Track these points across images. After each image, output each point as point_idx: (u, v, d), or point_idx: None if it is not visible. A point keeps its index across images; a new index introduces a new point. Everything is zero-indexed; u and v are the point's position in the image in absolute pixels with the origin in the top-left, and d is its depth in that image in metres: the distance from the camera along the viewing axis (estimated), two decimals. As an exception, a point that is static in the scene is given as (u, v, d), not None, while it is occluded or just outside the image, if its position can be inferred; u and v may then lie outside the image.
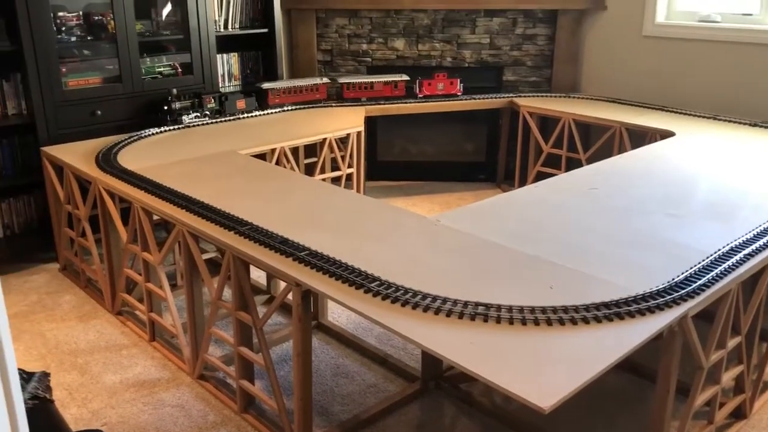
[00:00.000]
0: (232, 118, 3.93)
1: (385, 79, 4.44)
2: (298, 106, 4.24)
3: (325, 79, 4.37)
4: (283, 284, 2.76)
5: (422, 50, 4.82)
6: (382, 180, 5.12)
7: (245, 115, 4.00)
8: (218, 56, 4.21)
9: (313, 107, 4.27)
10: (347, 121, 3.92)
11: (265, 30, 4.39)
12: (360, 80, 4.41)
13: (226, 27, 4.27)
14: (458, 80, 4.55)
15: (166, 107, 3.79)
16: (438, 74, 4.52)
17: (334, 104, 4.37)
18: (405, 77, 4.50)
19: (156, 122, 3.76)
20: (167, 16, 4.06)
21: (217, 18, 4.19)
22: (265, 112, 4.10)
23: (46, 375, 1.82)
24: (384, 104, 4.38)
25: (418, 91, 4.51)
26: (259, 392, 2.36)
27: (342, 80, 4.39)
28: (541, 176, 4.34)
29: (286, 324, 3.06)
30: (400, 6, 4.68)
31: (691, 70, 4.31)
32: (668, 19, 4.44)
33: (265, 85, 4.18)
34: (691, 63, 4.30)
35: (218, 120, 3.87)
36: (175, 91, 3.82)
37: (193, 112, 3.81)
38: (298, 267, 2.02)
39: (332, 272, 1.96)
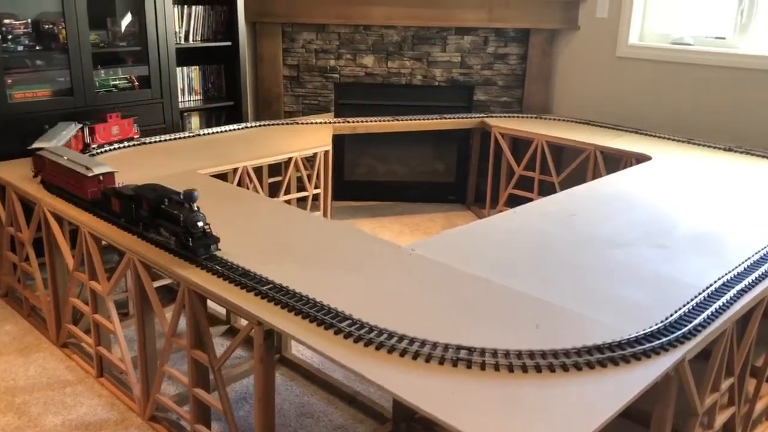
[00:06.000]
0: (192, 134, 3.72)
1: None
2: None
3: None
4: (244, 316, 2.55)
5: (392, 67, 4.68)
6: (348, 200, 4.94)
7: (207, 131, 3.79)
8: (178, 69, 4.01)
9: (281, 124, 4.09)
10: (314, 140, 3.74)
11: (229, 43, 4.20)
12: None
13: (187, 39, 4.07)
14: (133, 120, 3.54)
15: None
16: (111, 114, 3.45)
17: (299, 122, 4.20)
18: (78, 125, 3.30)
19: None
20: (125, 26, 3.84)
21: (177, 29, 3.99)
22: (231, 128, 3.90)
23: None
24: (353, 122, 4.22)
25: (91, 141, 3.35)
26: (216, 437, 2.15)
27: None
28: (512, 199, 4.23)
29: (247, 358, 2.85)
30: (370, 21, 4.53)
31: (664, 93, 4.25)
32: (641, 41, 4.38)
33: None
34: (664, 85, 4.23)
35: (179, 137, 3.65)
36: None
37: None
38: (260, 303, 1.83)
39: (298, 309, 1.77)
